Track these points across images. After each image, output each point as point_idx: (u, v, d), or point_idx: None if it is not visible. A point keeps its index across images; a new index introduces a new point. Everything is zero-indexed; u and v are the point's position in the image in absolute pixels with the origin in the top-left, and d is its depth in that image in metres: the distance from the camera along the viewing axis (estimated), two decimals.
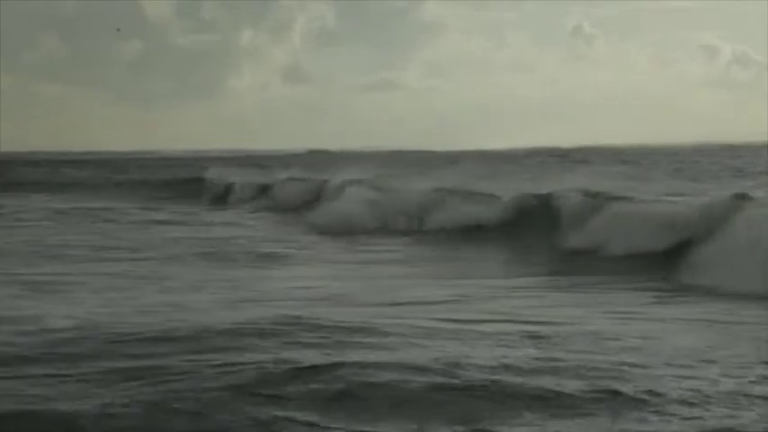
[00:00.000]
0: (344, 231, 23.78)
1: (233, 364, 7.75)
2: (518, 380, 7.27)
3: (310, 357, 7.96)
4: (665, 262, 15.38)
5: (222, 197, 40.89)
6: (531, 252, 18.89)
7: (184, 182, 48.71)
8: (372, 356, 8.00)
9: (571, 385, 7.09)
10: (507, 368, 7.62)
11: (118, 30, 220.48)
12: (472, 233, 22.13)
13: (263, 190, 39.33)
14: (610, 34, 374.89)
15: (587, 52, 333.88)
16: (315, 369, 7.53)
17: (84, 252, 19.22)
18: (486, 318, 10.65)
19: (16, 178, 58.38)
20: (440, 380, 7.24)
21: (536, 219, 21.26)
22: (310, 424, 6.37)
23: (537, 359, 8.02)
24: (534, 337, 9.19)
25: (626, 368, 7.67)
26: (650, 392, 6.94)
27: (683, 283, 13.82)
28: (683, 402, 6.75)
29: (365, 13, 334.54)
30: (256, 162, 65.00)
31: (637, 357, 8.15)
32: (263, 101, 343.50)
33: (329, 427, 6.32)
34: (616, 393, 6.93)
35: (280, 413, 6.52)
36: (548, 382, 7.19)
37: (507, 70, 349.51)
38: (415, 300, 12.52)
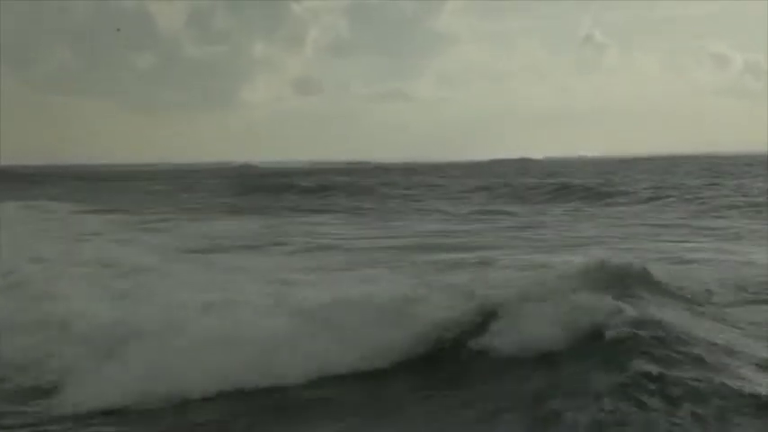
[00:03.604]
0: None
1: None
2: None
3: None
4: None
5: None
6: None
7: None
8: None
9: None
10: None
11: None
12: None
13: None
14: (621, 42, 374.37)
15: (598, 61, 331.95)
16: None
17: None
18: None
19: None
20: None
21: None
22: None
23: None
24: None
25: None
26: None
27: None
28: None
29: (378, 23, 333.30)
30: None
31: None
32: (275, 112, 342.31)
33: None
34: None
35: None
36: None
37: (519, 79, 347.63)
38: None
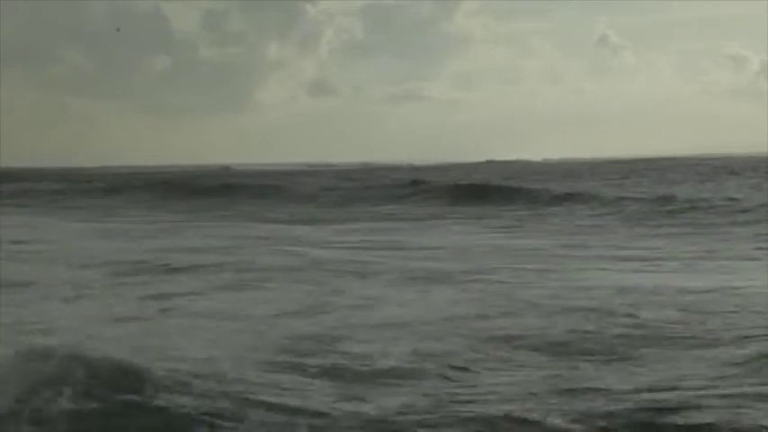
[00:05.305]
0: None
1: None
2: None
3: None
4: None
5: None
6: None
7: None
8: None
9: None
10: None
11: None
12: None
13: None
14: (636, 44, 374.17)
15: (614, 62, 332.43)
16: None
17: None
18: None
19: None
20: None
21: None
22: None
23: None
24: None
25: None
26: None
27: None
28: None
29: (392, 25, 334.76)
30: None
31: None
32: (288, 114, 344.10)
33: None
34: None
35: None
36: None
37: (534, 81, 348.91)
38: None
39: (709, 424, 6.89)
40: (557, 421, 7.01)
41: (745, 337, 9.92)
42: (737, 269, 16.37)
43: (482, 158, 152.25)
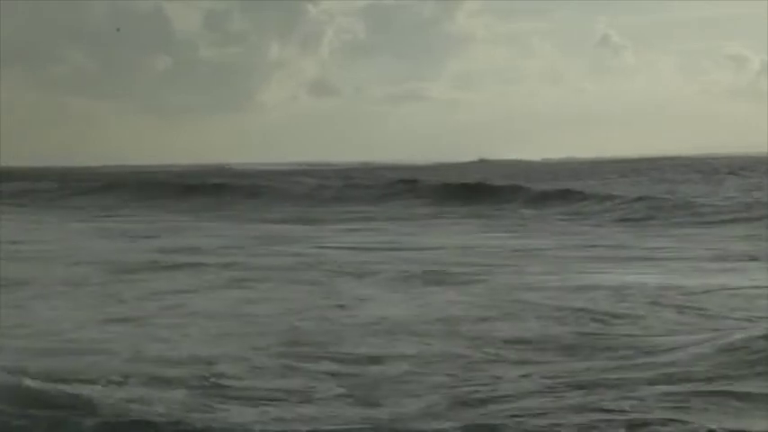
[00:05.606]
0: None
1: None
2: None
3: None
4: None
5: None
6: None
7: None
8: None
9: None
10: None
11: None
12: None
13: None
14: (637, 44, 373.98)
15: (614, 62, 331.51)
16: None
17: None
18: None
19: None
20: None
21: None
22: None
23: None
24: None
25: None
26: None
27: None
28: None
29: (394, 25, 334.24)
30: None
31: None
32: (289, 114, 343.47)
33: None
34: None
35: None
36: None
37: (534, 81, 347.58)
38: None
39: (712, 424, 6.87)
40: (569, 423, 6.98)
41: (745, 337, 9.88)
42: (737, 269, 16.33)
43: (483, 158, 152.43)
